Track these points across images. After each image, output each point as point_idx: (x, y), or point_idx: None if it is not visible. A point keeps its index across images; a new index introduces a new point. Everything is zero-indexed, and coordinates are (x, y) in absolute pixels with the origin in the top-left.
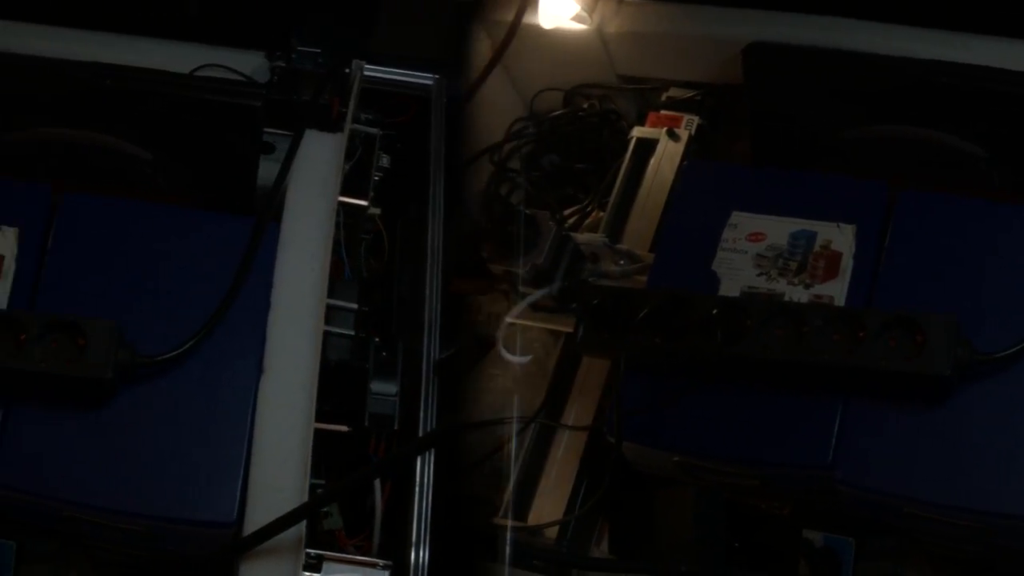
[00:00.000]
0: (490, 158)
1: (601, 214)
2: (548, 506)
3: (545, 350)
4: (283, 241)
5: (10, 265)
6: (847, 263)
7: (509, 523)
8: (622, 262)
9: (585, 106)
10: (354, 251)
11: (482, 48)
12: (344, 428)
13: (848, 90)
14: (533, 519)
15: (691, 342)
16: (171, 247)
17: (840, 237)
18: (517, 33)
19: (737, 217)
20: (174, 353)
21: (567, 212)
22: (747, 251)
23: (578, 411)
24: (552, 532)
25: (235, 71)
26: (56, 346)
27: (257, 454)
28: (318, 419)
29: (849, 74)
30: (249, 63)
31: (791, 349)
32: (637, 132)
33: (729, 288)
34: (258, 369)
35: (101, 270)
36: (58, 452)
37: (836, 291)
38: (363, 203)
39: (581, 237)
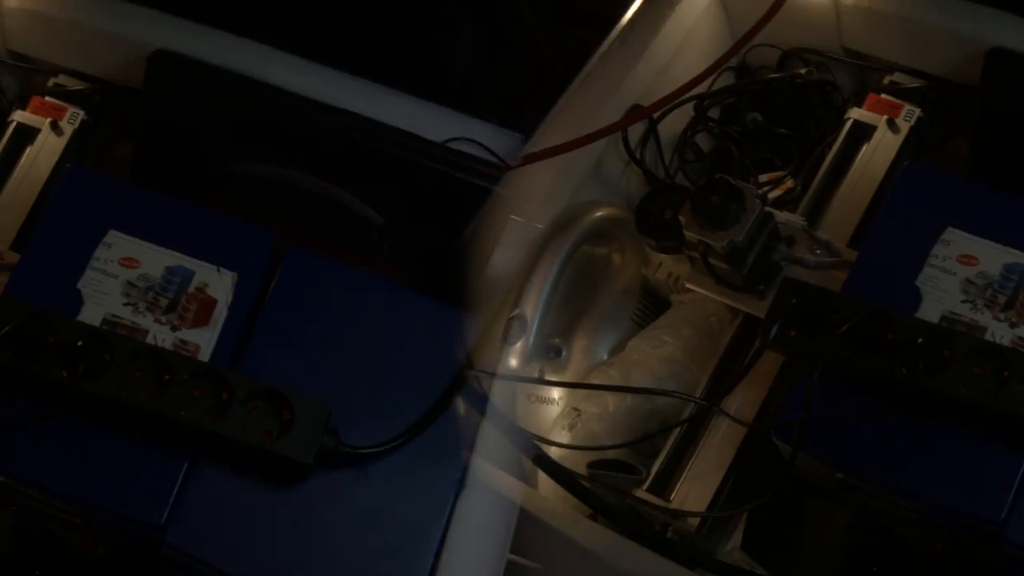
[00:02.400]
0: (695, 105)
1: (795, 184)
2: (694, 491)
3: (720, 326)
4: None
5: (221, 312)
6: None
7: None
8: (818, 251)
9: (802, 72)
10: None
11: None
12: (535, 565)
13: None
14: (676, 500)
15: (889, 365)
16: (390, 328)
17: None
18: None
19: (951, 234)
20: (380, 448)
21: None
22: (956, 273)
23: (743, 399)
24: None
25: (489, 149)
26: (258, 415)
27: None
28: None
29: None
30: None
31: (990, 394)
32: (855, 114)
33: (930, 309)
34: (460, 483)
35: (313, 336)
36: (235, 522)
37: None
38: None
39: (780, 216)
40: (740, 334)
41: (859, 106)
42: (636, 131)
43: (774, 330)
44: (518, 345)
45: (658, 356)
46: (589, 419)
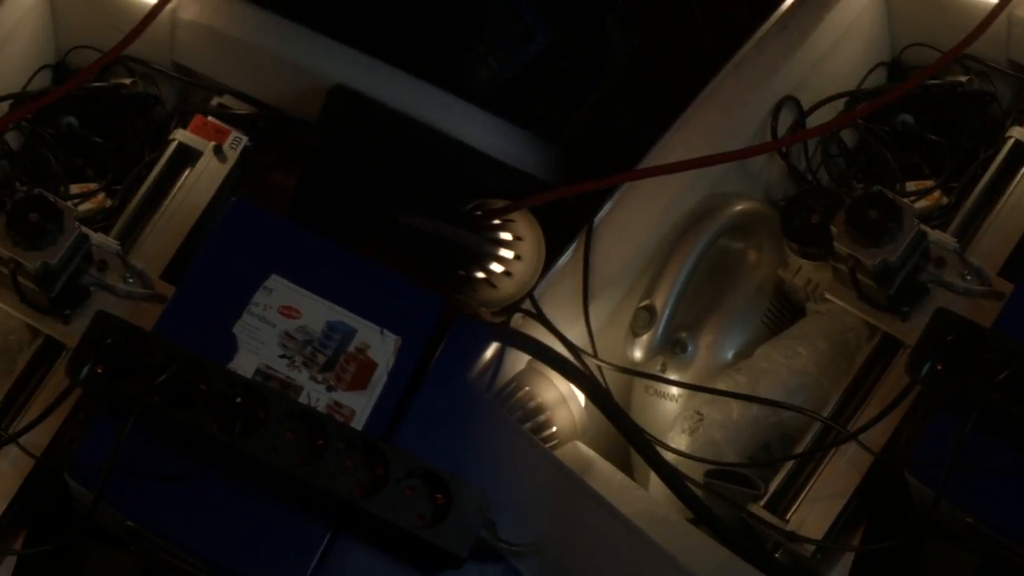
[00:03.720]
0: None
1: (944, 198)
2: (814, 514)
3: (857, 343)
4: None
5: (381, 377)
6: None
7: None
8: (969, 277)
9: (963, 80)
10: None
11: None
12: None
13: None
14: (794, 522)
15: None
16: None
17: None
18: None
19: None
20: (534, 544)
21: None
22: None
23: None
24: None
25: None
26: (412, 495)
27: None
28: None
29: None
30: None
31: None
32: (1017, 133)
33: None
34: None
35: (473, 413)
36: None
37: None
38: None
39: (931, 235)
40: (876, 353)
41: (1021, 124)
42: (783, 121)
43: (926, 368)
44: (644, 337)
45: (789, 367)
46: (711, 425)
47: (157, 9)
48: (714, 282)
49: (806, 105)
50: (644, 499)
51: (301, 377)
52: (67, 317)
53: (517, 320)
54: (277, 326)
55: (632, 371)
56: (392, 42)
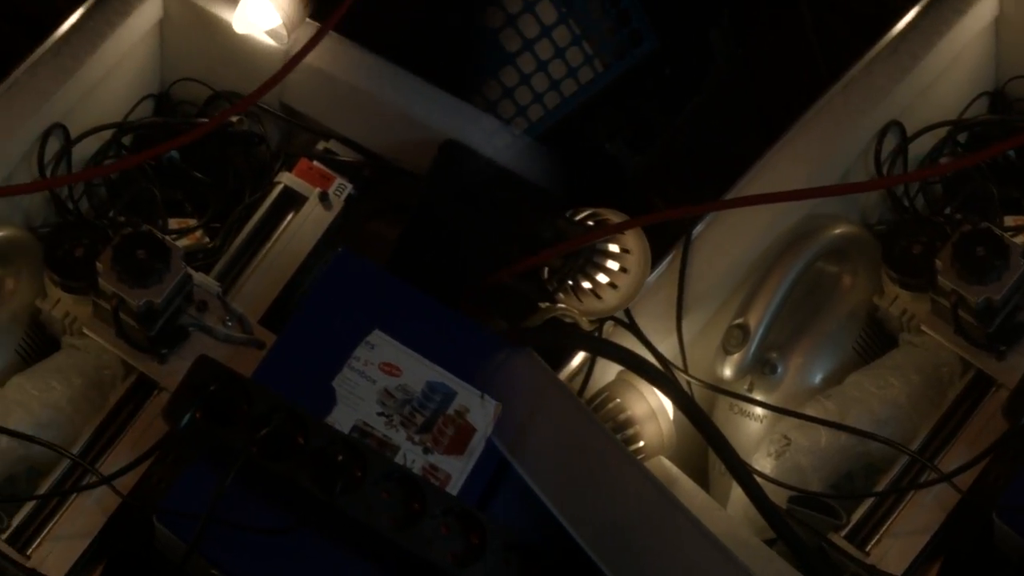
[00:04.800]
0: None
1: None
2: (895, 549)
3: (950, 378)
4: None
5: (479, 443)
6: None
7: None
8: None
9: None
10: None
11: None
12: None
13: None
14: (874, 556)
15: None
16: None
17: None
18: None
19: None
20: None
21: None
22: None
23: (959, 461)
24: None
25: None
26: (507, 568)
27: None
28: None
29: None
30: None
31: None
32: None
33: None
34: None
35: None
36: None
37: None
38: None
39: None
40: (968, 390)
41: None
42: (886, 146)
43: None
44: (736, 355)
45: (881, 397)
46: (798, 451)
47: (300, 57)
48: (807, 304)
49: (910, 131)
50: (725, 520)
51: (398, 437)
52: (163, 356)
53: (608, 329)
54: (377, 383)
55: (722, 390)
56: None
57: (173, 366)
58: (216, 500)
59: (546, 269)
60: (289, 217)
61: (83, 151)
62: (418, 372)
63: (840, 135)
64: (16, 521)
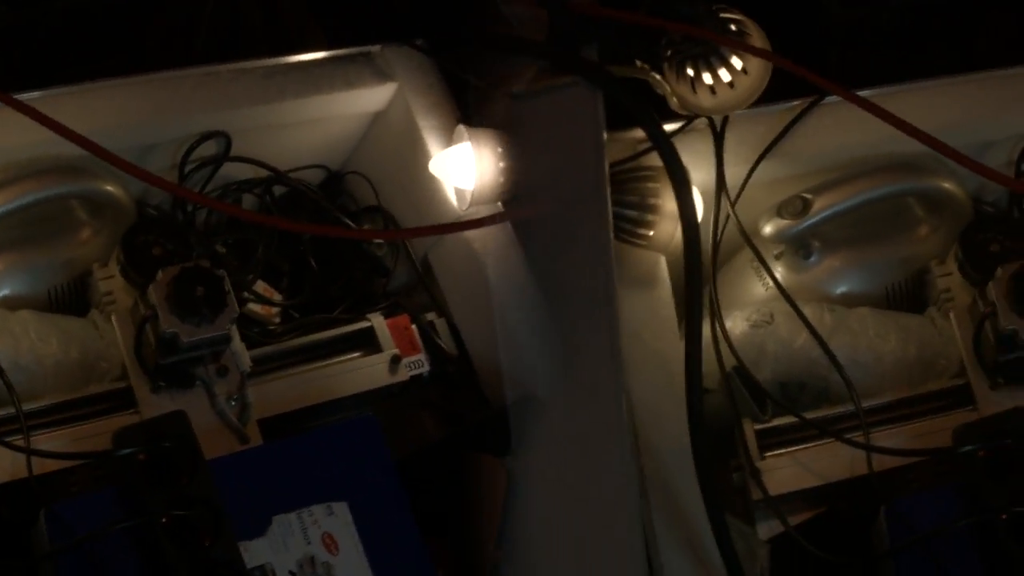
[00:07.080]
0: None
1: None
2: (786, 472)
3: (941, 372)
4: None
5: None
6: None
7: None
8: None
9: None
10: None
11: None
12: None
13: None
14: (765, 464)
15: None
16: None
17: None
18: None
19: None
20: None
21: None
22: None
23: (891, 443)
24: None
25: None
26: None
27: None
28: None
29: None
30: None
31: None
32: None
33: None
34: None
35: None
36: None
37: None
38: None
39: None
40: (948, 393)
41: None
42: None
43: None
44: (786, 222)
45: (872, 343)
46: (772, 335)
47: (463, 227)
48: (877, 224)
49: None
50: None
51: None
52: (158, 388)
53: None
54: (310, 546)
55: (752, 245)
56: None
57: (160, 401)
58: (99, 534)
59: (664, 39)
60: (355, 355)
61: (231, 170)
62: (350, 564)
63: (1007, 111)
64: None
